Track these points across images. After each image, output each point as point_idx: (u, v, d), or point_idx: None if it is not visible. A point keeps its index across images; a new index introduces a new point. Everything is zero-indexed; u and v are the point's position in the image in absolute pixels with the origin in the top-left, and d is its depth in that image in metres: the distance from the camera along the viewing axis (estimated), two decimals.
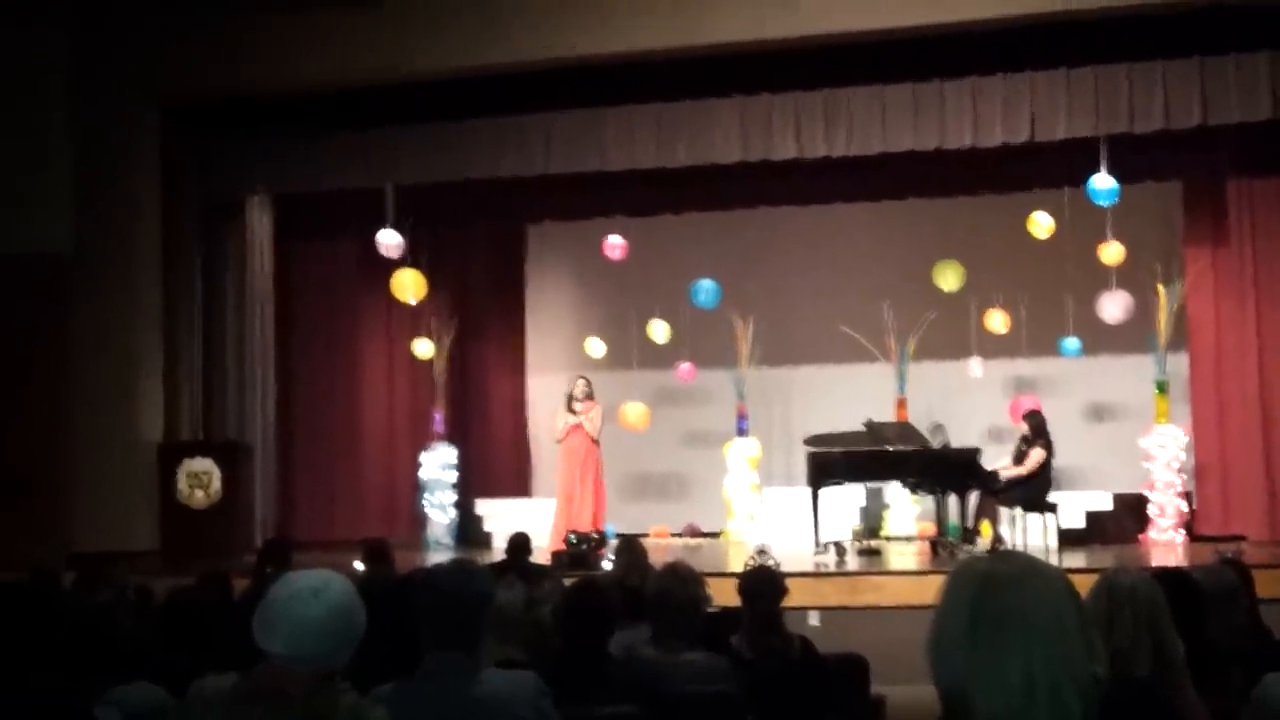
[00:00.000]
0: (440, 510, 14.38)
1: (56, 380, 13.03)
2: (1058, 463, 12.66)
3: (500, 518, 13.97)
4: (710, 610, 5.19)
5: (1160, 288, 13.03)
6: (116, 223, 13.15)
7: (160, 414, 13.37)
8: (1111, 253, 12.64)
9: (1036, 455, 11.83)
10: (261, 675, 2.98)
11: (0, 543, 11.47)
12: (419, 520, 14.49)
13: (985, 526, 11.85)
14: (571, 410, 12.99)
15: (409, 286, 13.46)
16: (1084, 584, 3.27)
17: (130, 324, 13.15)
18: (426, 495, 14.42)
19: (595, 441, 12.98)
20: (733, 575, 6.23)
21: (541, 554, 10.91)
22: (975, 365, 13.78)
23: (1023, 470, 11.80)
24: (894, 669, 6.04)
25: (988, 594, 1.84)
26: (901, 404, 13.86)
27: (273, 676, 2.96)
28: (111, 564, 7.65)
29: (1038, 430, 12.07)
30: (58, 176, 13.17)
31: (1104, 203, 12.13)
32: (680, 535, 14.41)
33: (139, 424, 13.10)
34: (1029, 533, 11.62)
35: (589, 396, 13.08)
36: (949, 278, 13.54)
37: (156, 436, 13.29)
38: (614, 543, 10.65)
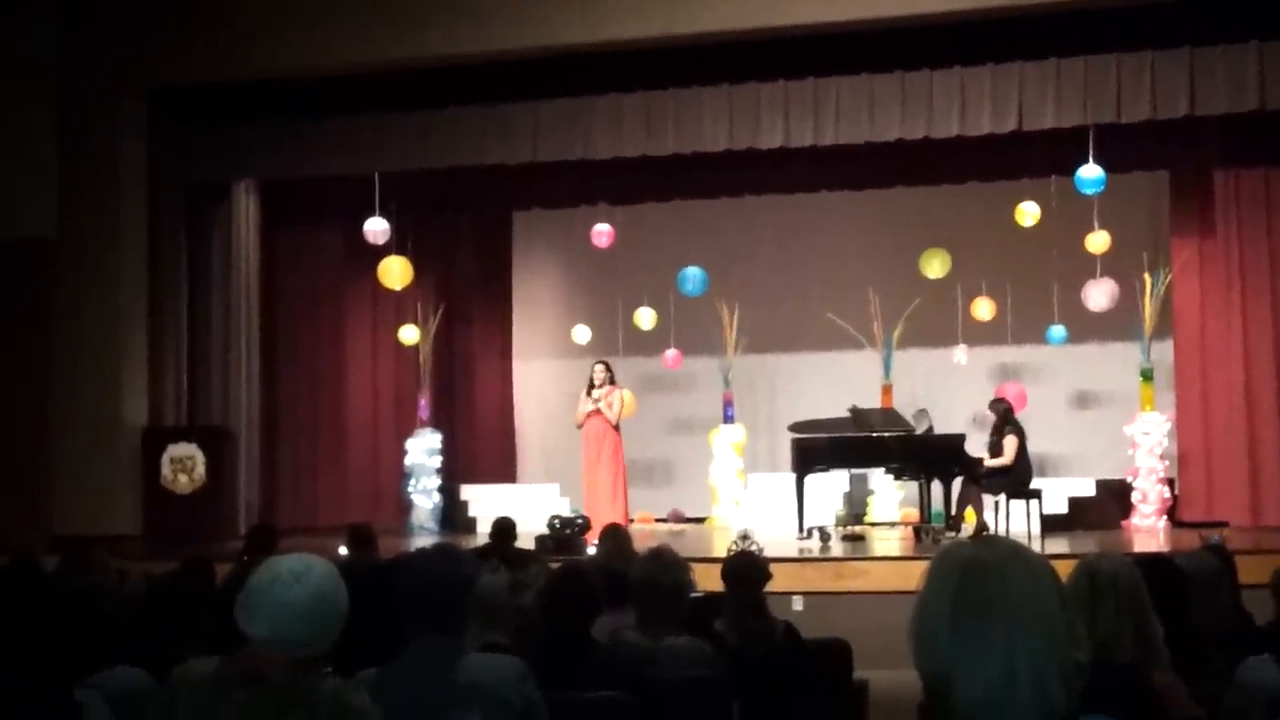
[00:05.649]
0: (425, 496, 14.38)
1: (41, 365, 12.98)
2: (1042, 449, 12.69)
3: (485, 503, 13.95)
4: (694, 595, 5.20)
5: (1146, 276, 13.06)
6: (101, 208, 13.08)
7: (145, 399, 13.33)
8: (1098, 241, 12.67)
9: (1010, 442, 11.85)
10: (244, 659, 2.98)
11: None
12: (404, 506, 14.49)
13: (969, 513, 11.87)
14: (590, 396, 12.77)
15: (395, 273, 13.43)
16: (1067, 570, 3.29)
17: (115, 309, 13.10)
18: (411, 481, 14.41)
19: (615, 427, 12.79)
20: (717, 560, 6.24)
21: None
22: (960, 353, 13.82)
23: (1004, 460, 11.82)
24: (877, 654, 6.06)
25: (970, 580, 1.84)
26: (887, 391, 13.89)
27: (255, 661, 2.95)
28: (94, 548, 7.62)
29: (1005, 417, 12.10)
30: (42, 162, 13.11)
31: (1091, 192, 12.14)
32: (665, 520, 14.43)
33: (123, 409, 13.06)
34: (1012, 519, 11.66)
35: (610, 382, 12.82)
36: (935, 265, 13.58)
37: (141, 421, 13.25)
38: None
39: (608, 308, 14.83)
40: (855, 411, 12.22)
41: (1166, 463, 12.88)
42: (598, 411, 12.61)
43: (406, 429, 14.74)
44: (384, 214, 13.44)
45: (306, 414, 14.96)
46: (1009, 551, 1.88)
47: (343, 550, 8.33)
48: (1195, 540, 8.75)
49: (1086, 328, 13.48)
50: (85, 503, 12.63)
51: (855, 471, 13.32)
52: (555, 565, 5.52)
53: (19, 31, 13.12)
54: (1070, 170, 12.14)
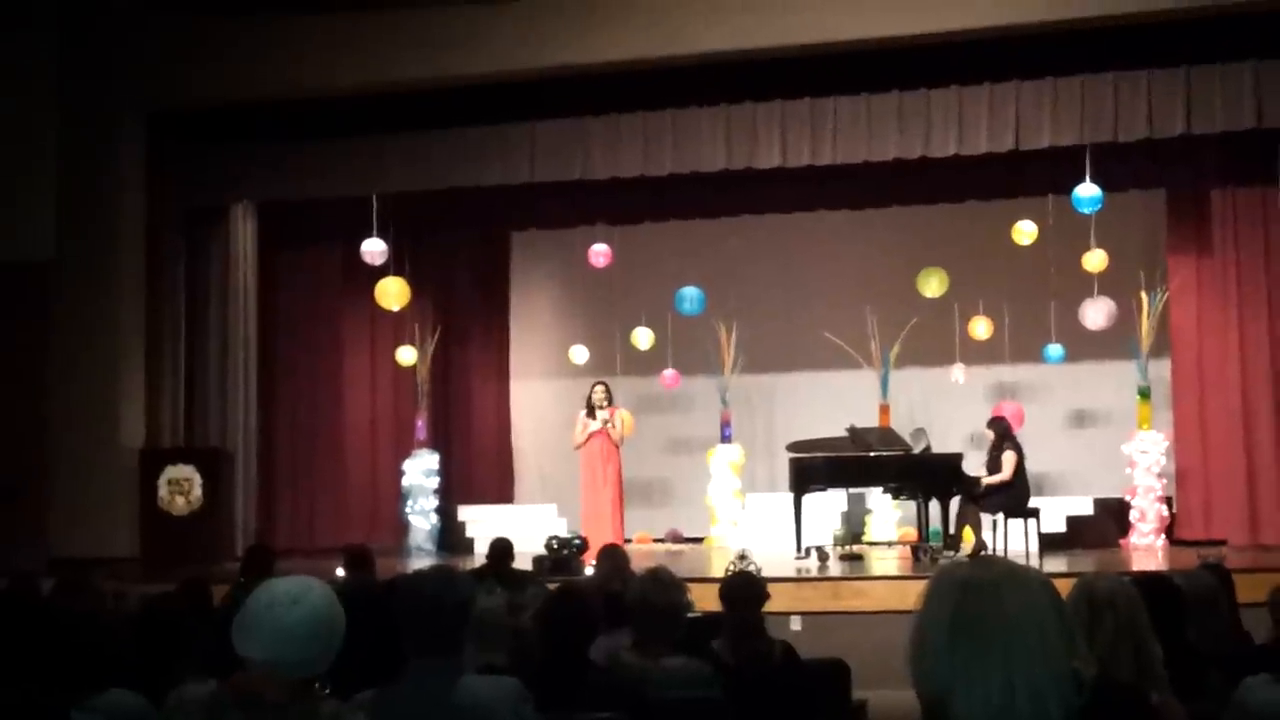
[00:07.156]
0: (422, 517, 14.35)
1: (38, 387, 12.96)
2: (1040, 468, 12.67)
3: (483, 524, 13.94)
4: (692, 615, 5.19)
5: (1143, 295, 13.06)
6: (99, 230, 13.09)
7: (142, 420, 13.32)
8: (1095, 260, 12.68)
9: (1009, 459, 11.84)
10: (240, 682, 2.97)
11: None
12: (401, 527, 14.46)
13: (967, 532, 11.85)
14: (592, 416, 12.79)
15: (393, 294, 13.44)
16: (1065, 589, 3.28)
17: (113, 331, 13.09)
18: (409, 502, 14.39)
19: (616, 446, 12.81)
20: (714, 580, 6.23)
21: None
22: (957, 372, 13.81)
23: (1003, 476, 11.81)
24: (875, 673, 6.04)
25: (968, 600, 1.84)
26: (884, 410, 13.87)
27: (252, 683, 2.94)
28: (91, 571, 7.61)
29: (1004, 434, 12.10)
30: (41, 183, 13.11)
31: (1088, 210, 12.16)
32: (663, 541, 14.41)
33: (121, 430, 13.04)
34: (1010, 538, 11.64)
35: (608, 402, 12.87)
36: (932, 284, 13.57)
37: (138, 443, 13.23)
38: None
39: (605, 328, 14.82)
40: (853, 431, 12.21)
41: (1164, 481, 12.87)
42: (601, 432, 12.63)
43: (404, 450, 14.71)
44: (381, 235, 13.45)
45: (304, 435, 14.95)
46: (1006, 571, 1.88)
47: (340, 572, 8.31)
48: (1193, 559, 8.74)
49: (1084, 346, 13.48)
50: (82, 525, 12.60)
51: (853, 491, 13.30)
52: (553, 586, 5.51)
53: (18, 54, 13.13)
54: (1067, 189, 12.17)
